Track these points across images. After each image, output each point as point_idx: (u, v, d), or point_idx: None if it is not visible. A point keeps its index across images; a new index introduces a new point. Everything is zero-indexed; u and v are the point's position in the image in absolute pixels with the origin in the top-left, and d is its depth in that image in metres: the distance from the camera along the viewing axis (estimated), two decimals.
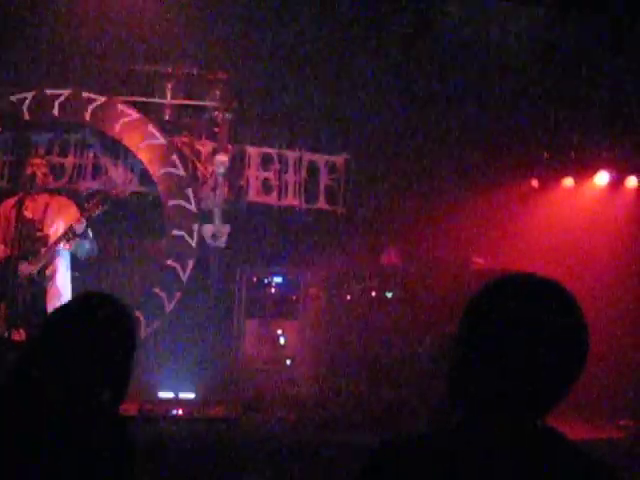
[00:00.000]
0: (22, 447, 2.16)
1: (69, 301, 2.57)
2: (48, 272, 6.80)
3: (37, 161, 7.16)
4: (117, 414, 2.41)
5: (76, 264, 7.07)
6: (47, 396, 2.24)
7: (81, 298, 2.52)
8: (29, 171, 6.95)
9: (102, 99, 9.54)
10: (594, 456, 1.62)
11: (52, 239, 6.78)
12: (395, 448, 1.64)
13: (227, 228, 9.52)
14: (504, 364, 1.61)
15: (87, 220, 6.79)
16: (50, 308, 6.54)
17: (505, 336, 1.62)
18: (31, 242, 6.73)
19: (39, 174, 6.93)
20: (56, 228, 6.85)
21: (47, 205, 6.95)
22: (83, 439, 2.21)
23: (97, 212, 6.84)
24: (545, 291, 1.68)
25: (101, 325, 2.37)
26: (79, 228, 6.77)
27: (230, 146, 9.79)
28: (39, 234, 6.81)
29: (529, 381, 1.61)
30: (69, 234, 6.74)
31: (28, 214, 6.79)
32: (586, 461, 1.60)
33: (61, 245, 6.78)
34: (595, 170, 10.22)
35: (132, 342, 2.46)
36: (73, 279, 7.02)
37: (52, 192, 7.26)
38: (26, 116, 9.40)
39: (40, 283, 6.72)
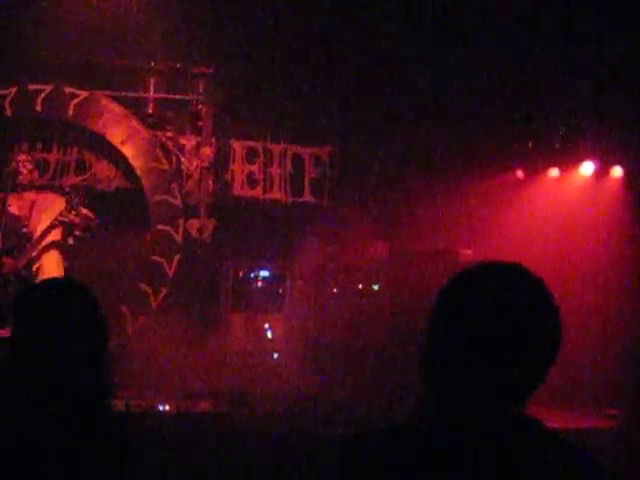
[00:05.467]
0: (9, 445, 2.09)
1: (33, 287, 2.47)
2: (35, 268, 6.77)
3: (21, 157, 7.15)
4: (109, 408, 2.33)
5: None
6: (29, 392, 2.17)
7: (45, 284, 2.43)
8: (12, 167, 6.92)
9: (85, 94, 9.50)
10: (573, 443, 1.60)
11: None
12: (367, 439, 1.63)
13: (212, 222, 9.49)
14: (473, 352, 1.60)
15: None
16: None
17: (472, 323, 1.61)
18: (17, 238, 6.72)
19: (24, 171, 6.92)
20: (43, 225, 6.82)
21: (34, 202, 6.94)
22: (72, 434, 2.12)
23: (82, 207, 6.84)
24: (510, 276, 1.67)
25: (68, 310, 2.24)
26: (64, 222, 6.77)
27: (214, 140, 9.77)
28: (24, 230, 6.79)
29: (500, 368, 1.59)
30: (54, 227, 6.73)
31: (14, 211, 6.77)
32: (564, 448, 1.59)
33: (49, 240, 6.76)
34: (580, 160, 10.22)
35: (101, 325, 2.30)
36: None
37: (39, 189, 7.24)
38: (8, 112, 9.34)
39: (28, 278, 6.69)
